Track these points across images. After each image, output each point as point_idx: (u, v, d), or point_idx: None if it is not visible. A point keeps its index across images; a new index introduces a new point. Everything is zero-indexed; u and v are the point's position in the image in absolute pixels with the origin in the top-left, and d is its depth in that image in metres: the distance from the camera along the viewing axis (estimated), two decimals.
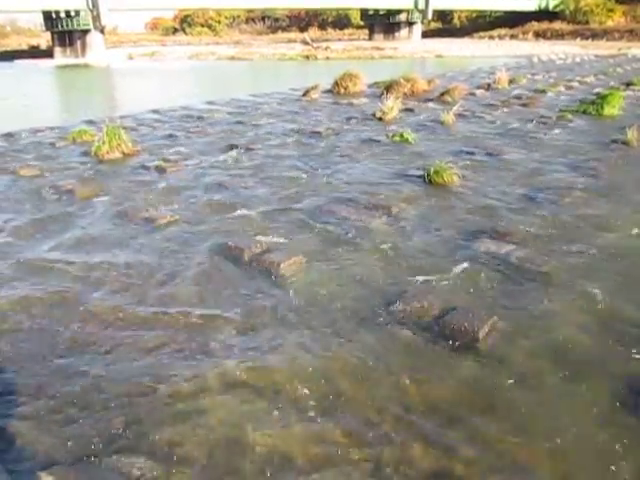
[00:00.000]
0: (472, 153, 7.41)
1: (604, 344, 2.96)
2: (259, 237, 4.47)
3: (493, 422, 2.41)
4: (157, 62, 43.13)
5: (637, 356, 2.84)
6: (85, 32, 50.70)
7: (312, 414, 2.47)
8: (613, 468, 2.16)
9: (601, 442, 2.29)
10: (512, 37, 56.40)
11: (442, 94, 12.95)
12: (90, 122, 10.64)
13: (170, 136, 9.14)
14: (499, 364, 2.82)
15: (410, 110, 11.32)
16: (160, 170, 6.79)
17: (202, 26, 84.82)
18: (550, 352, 2.90)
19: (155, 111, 12.08)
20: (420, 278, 3.77)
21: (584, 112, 10.60)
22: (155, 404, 2.53)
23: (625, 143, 7.83)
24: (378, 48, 45.52)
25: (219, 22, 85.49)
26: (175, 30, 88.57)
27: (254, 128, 9.69)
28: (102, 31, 51.48)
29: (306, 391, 2.61)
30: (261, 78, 25.88)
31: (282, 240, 4.45)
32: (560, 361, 2.82)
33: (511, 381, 2.68)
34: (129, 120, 10.78)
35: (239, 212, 5.16)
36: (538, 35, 55.07)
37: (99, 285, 3.73)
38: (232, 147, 8.05)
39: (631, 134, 7.89)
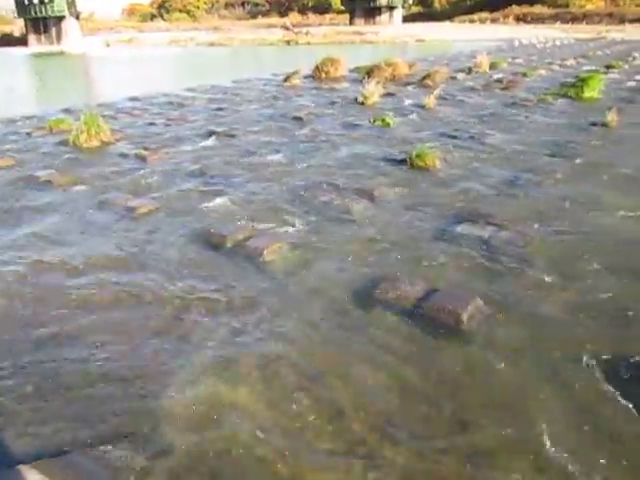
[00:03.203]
0: (454, 136, 7.42)
1: (583, 323, 3.00)
2: (241, 223, 4.44)
3: (474, 399, 2.44)
4: (135, 49, 42.39)
5: (622, 334, 2.89)
6: (60, 19, 49.67)
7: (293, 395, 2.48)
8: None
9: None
10: (493, 21, 56.39)
11: (423, 78, 12.94)
12: (67, 111, 10.46)
13: (150, 124, 9.01)
14: (483, 343, 2.84)
15: (391, 94, 11.28)
16: (140, 158, 6.70)
17: (180, 12, 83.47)
18: (531, 332, 2.94)
19: (134, 99, 11.90)
20: (403, 261, 3.78)
21: (565, 95, 10.66)
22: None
23: (605, 125, 7.91)
24: (359, 33, 45.22)
25: (198, 7, 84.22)
26: (153, 16, 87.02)
27: (235, 114, 9.60)
28: (77, 17, 50.50)
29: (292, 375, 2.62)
30: (241, 64, 25.60)
31: (265, 226, 4.42)
32: (540, 339, 2.86)
33: (494, 360, 2.71)
34: (108, 108, 10.61)
35: (221, 199, 5.12)
36: (519, 19, 55.13)
37: (78, 275, 3.67)
38: (213, 134, 7.97)
39: (611, 116, 7.97)
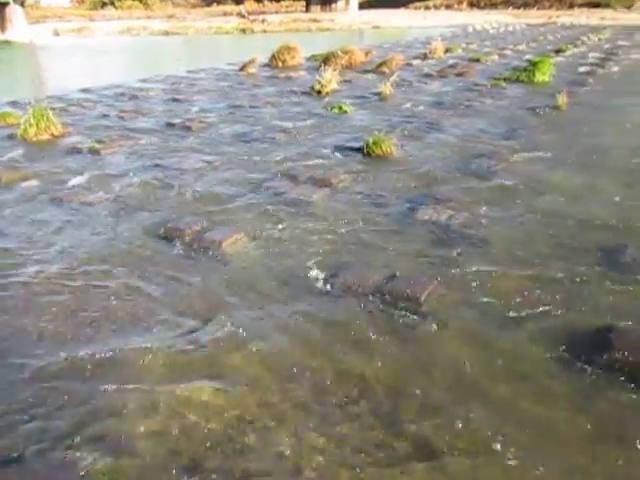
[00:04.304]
0: (410, 123, 7.50)
1: (536, 300, 3.10)
2: (199, 216, 4.39)
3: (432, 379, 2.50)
4: (86, 38, 41.01)
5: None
6: (3, 5, 47.50)
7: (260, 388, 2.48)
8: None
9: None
10: (447, 7, 56.84)
11: (379, 65, 12.98)
12: (14, 104, 10.05)
13: (103, 116, 8.77)
14: (440, 325, 2.91)
15: (348, 82, 11.30)
16: (93, 152, 6.53)
17: None
18: (487, 311, 3.02)
19: (86, 90, 11.54)
20: (363, 248, 3.81)
21: (517, 79, 10.89)
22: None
23: (556, 108, 8.12)
24: (315, 20, 44.91)
25: None
26: (104, 4, 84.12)
27: (191, 105, 9.44)
28: (22, 4, 48.39)
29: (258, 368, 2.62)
30: (197, 53, 25.13)
31: (223, 218, 4.39)
32: (496, 318, 2.94)
33: (451, 340, 2.78)
34: (58, 100, 10.25)
35: (178, 192, 5.05)
36: (472, 5, 55.72)
37: (27, 272, 3.58)
38: (168, 125, 7.82)
39: (561, 99, 8.20)
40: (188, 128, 7.61)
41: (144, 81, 12.73)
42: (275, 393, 2.45)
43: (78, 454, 2.14)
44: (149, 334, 2.90)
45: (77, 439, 2.21)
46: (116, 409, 2.36)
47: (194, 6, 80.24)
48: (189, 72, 14.01)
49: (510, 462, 2.06)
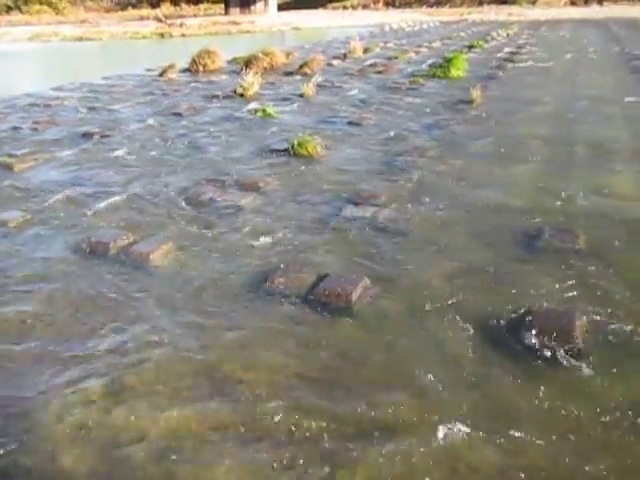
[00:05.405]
0: (333, 123, 7.61)
1: (461, 289, 3.24)
2: (124, 229, 4.27)
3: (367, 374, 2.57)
4: None
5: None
6: None
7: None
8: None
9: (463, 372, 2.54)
10: (364, 7, 57.92)
11: (301, 66, 13.06)
12: None
13: (14, 128, 8.31)
14: (371, 319, 2.99)
15: (271, 84, 11.30)
16: (6, 166, 6.18)
17: (41, 4, 77.14)
18: (415, 304, 3.12)
19: None
20: (292, 250, 3.84)
21: (433, 75, 11.29)
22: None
23: (470, 102, 8.49)
24: (235, 23, 44.51)
25: None
26: (9, 8, 79.67)
27: (109, 114, 9.13)
28: None
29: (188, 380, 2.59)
30: (113, 59, 24.29)
31: (149, 229, 4.29)
32: (422, 307, 3.05)
33: (382, 336, 2.86)
34: None
35: (100, 205, 4.87)
36: (388, 4, 57.12)
37: None
38: (86, 136, 7.53)
39: (475, 93, 8.59)
40: (107, 137, 7.37)
41: (58, 89, 12.17)
42: (209, 403, 2.44)
43: None
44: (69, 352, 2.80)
45: None
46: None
47: (108, 10, 77.46)
48: (105, 79, 13.54)
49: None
